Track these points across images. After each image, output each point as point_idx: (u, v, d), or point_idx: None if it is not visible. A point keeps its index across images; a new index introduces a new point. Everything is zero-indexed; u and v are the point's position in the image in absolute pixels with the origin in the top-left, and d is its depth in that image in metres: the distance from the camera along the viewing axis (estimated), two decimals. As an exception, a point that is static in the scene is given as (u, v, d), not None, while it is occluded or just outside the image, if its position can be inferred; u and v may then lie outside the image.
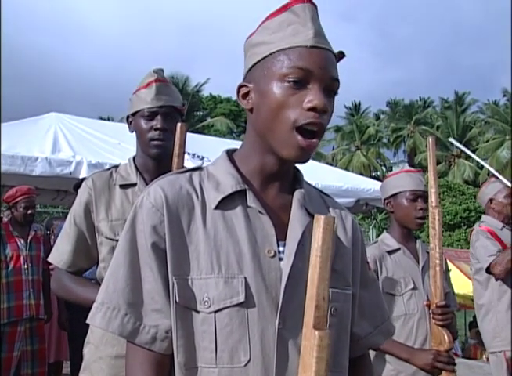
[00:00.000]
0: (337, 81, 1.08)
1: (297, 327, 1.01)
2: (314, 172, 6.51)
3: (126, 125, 2.18)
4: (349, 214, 1.26)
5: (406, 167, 2.71)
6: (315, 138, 1.06)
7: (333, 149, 48.49)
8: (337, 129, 49.20)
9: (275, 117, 1.05)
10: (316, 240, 0.86)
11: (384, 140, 49.48)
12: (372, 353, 2.39)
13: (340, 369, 1.13)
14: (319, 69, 1.04)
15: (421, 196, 2.52)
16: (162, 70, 2.14)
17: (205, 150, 6.58)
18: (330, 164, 25.24)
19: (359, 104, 53.34)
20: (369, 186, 7.44)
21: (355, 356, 1.24)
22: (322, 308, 0.84)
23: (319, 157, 38.80)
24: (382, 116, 53.27)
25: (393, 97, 52.87)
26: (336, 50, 1.13)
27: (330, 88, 1.07)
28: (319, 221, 0.86)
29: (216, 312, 1.03)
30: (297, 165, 1.19)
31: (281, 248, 1.08)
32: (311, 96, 1.03)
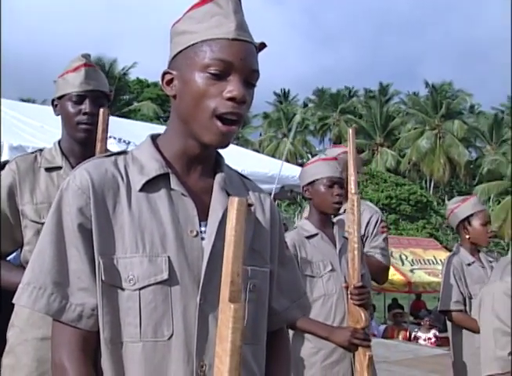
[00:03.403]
0: (257, 72, 1.15)
1: (218, 303, 1.09)
2: (240, 158, 6.58)
3: (49, 108, 2.17)
4: (268, 196, 1.33)
5: (323, 156, 2.81)
6: (234, 125, 1.12)
7: (260, 136, 48.82)
8: (265, 116, 49.55)
9: (196, 105, 1.11)
10: (230, 221, 0.91)
11: (311, 128, 50.25)
12: (291, 332, 2.51)
13: (258, 341, 1.21)
14: (239, 61, 1.11)
15: (337, 182, 2.63)
16: (89, 56, 2.15)
17: (131, 134, 6.51)
18: (257, 151, 25.43)
19: (288, 92, 53.87)
20: (294, 172, 7.57)
21: (274, 330, 1.31)
22: (236, 283, 0.91)
23: (246, 144, 39.03)
24: (309, 104, 54.05)
25: (321, 85, 53.68)
26: (262, 38, 1.20)
27: (250, 79, 1.14)
28: (233, 203, 0.91)
29: (141, 289, 1.09)
30: (222, 151, 1.25)
31: (203, 229, 1.15)
32: (231, 87, 1.10)
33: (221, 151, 1.26)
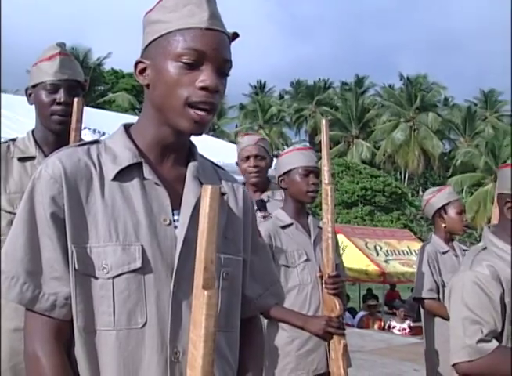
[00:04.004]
0: (230, 62, 1.16)
1: (191, 290, 1.10)
2: (216, 150, 6.58)
3: (21, 98, 2.15)
4: (240, 185, 1.34)
5: (297, 146, 2.84)
6: (208, 114, 1.13)
7: (236, 127, 48.73)
8: (241, 108, 49.47)
9: (169, 94, 1.12)
10: (204, 208, 0.92)
11: (287, 120, 50.29)
12: (265, 322, 2.53)
13: (232, 329, 1.23)
14: (212, 50, 1.11)
15: (312, 171, 2.65)
16: (64, 44, 2.13)
17: (106, 125, 6.46)
18: (233, 142, 25.36)
19: (264, 83, 53.85)
20: (269, 164, 7.56)
21: (247, 317, 1.32)
22: (209, 270, 0.92)
23: (222, 135, 38.91)
24: (286, 96, 54.10)
25: (297, 77, 53.76)
26: (238, 29, 1.21)
27: (223, 68, 1.14)
28: (207, 190, 0.92)
29: (114, 277, 1.09)
30: (198, 143, 1.26)
31: (176, 217, 1.15)
32: (204, 76, 1.10)
33: (197, 143, 1.27)
